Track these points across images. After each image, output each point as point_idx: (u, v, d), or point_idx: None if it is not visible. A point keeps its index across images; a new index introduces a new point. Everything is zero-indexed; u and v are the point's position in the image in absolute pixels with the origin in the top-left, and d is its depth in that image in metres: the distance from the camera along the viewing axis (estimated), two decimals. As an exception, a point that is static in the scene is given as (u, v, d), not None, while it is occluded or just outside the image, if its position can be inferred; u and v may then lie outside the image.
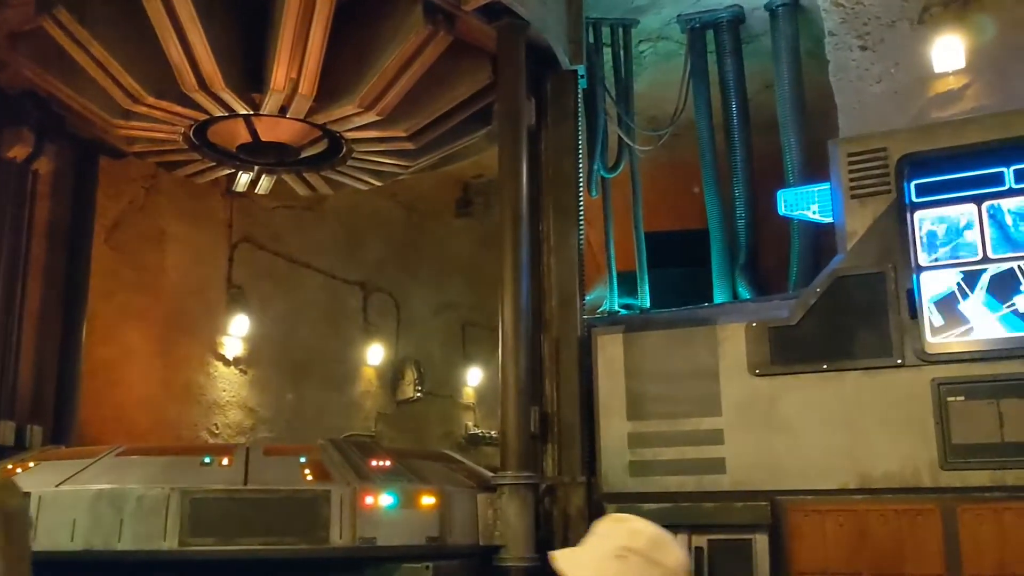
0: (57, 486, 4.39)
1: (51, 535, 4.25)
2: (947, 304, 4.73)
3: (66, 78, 5.50)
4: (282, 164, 6.45)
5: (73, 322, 6.41)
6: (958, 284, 4.73)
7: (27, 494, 4.28)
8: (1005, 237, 4.67)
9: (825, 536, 4.71)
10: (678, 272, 7.22)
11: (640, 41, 7.26)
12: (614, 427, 5.29)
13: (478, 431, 10.63)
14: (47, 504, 4.30)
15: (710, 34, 7.02)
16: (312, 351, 8.87)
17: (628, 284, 6.80)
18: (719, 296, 6.59)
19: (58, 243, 6.38)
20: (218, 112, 5.64)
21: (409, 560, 4.50)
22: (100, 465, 4.62)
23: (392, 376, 9.80)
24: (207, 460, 4.62)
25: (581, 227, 5.80)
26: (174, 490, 4.28)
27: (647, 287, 6.79)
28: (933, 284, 4.77)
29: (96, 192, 6.71)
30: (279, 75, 5.20)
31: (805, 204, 5.53)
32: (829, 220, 5.36)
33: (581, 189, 5.93)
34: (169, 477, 4.41)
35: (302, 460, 4.67)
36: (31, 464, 4.83)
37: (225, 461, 4.59)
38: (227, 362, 8.05)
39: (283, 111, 5.61)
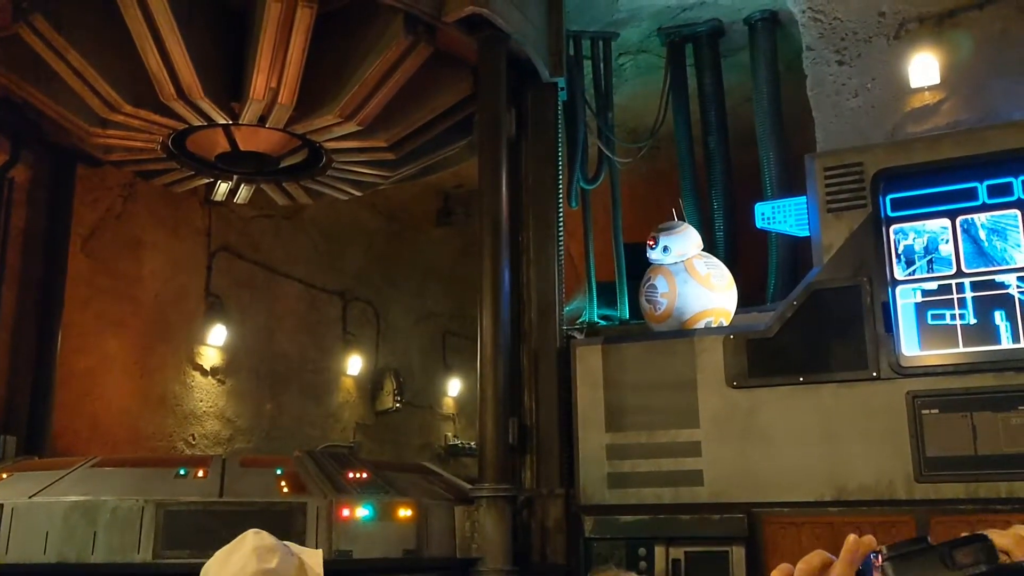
0: (30, 497, 4.35)
1: (24, 547, 4.21)
2: (922, 317, 4.77)
3: (42, 85, 5.46)
4: (261, 174, 6.43)
5: (48, 331, 6.35)
6: (932, 298, 4.77)
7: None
8: (979, 251, 4.72)
9: (801, 548, 4.72)
10: (657, 284, 7.22)
11: (620, 54, 7.29)
12: (592, 439, 5.28)
13: (458, 442, 10.59)
14: (20, 515, 4.26)
15: (690, 47, 7.06)
16: (291, 361, 8.83)
17: (607, 295, 6.81)
18: (697, 308, 6.60)
19: (34, 251, 6.33)
20: (197, 121, 5.62)
21: (386, 573, 4.49)
22: (74, 476, 4.58)
23: (371, 386, 9.76)
24: (182, 472, 4.59)
25: (561, 238, 5.82)
26: (148, 502, 4.25)
27: (626, 298, 6.80)
28: (908, 297, 4.81)
29: (73, 200, 6.66)
30: (259, 84, 5.19)
31: (782, 217, 5.56)
32: (806, 234, 5.40)
33: (561, 200, 5.95)
34: (144, 489, 4.38)
35: (278, 472, 4.64)
36: (4, 475, 4.78)
37: (200, 473, 4.56)
38: (205, 372, 7.99)
39: (262, 121, 5.60)
